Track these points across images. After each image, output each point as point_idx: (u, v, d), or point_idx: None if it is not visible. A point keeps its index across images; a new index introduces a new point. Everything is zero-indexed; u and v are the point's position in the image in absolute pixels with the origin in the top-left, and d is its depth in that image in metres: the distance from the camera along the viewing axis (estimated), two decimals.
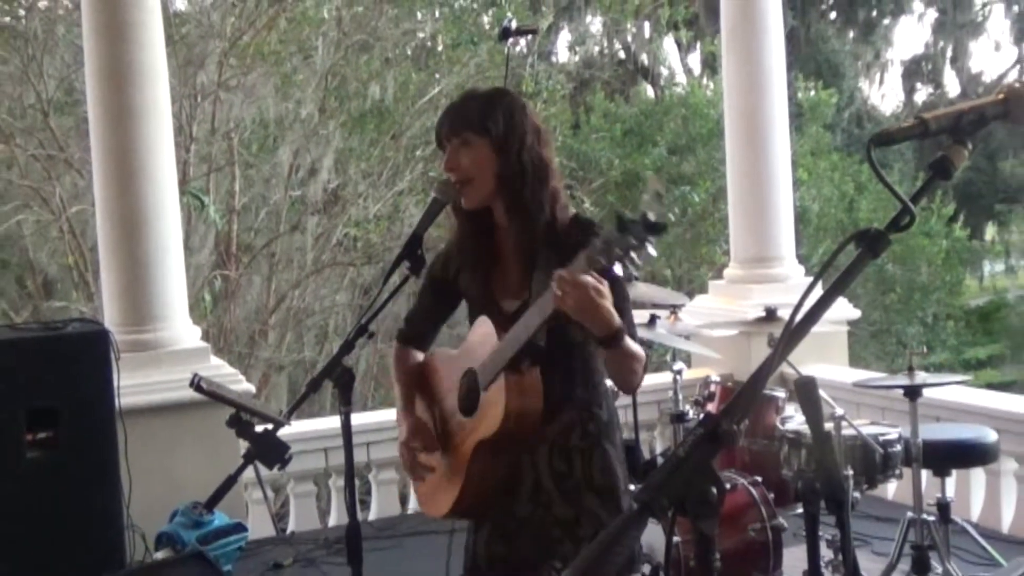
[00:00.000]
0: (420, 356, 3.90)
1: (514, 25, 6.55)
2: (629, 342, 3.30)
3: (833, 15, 29.76)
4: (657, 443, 8.32)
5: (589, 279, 3.11)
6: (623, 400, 6.53)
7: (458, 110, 3.58)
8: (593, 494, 3.47)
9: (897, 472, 5.65)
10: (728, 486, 5.39)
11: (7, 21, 14.83)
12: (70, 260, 14.69)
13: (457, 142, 3.48)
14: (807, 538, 3.89)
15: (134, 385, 6.33)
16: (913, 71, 32.02)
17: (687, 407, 6.39)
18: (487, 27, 17.35)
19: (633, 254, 2.92)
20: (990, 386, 17.52)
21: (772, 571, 5.46)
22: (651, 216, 2.88)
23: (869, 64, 29.80)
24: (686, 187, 18.29)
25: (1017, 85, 2.22)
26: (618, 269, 2.97)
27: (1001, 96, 2.23)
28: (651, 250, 2.92)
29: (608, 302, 3.17)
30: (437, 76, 16.50)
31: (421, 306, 3.88)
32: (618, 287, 3.33)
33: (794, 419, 5.88)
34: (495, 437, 3.43)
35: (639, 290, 6.55)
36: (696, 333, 6.94)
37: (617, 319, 3.22)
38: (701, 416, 6.29)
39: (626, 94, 22.70)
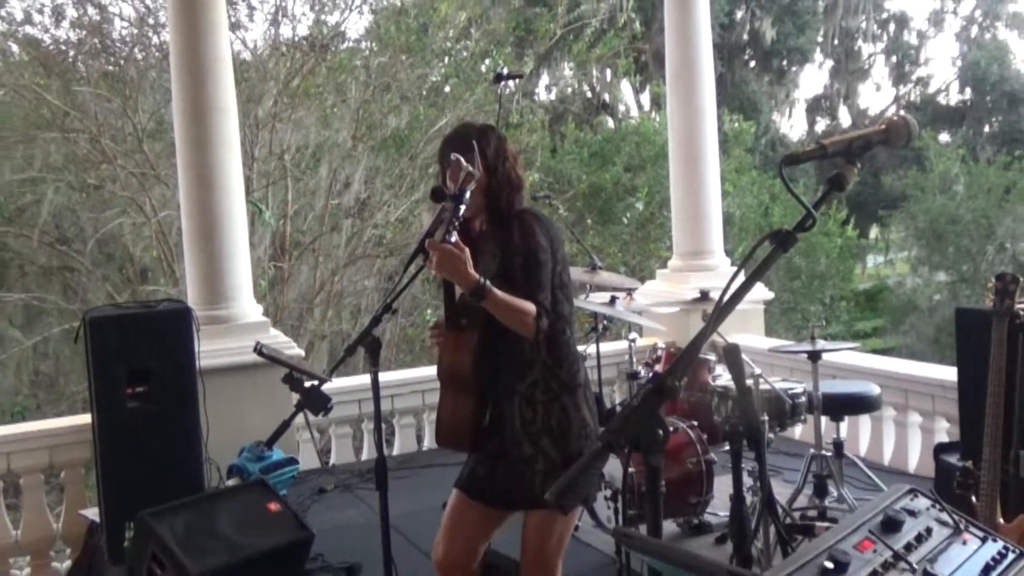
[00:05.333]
0: None
1: (505, 71, 6.55)
2: (502, 295, 3.27)
3: (753, 64, 29.77)
4: (616, 395, 8.33)
5: (448, 246, 3.16)
6: (590, 363, 6.57)
7: (460, 136, 3.53)
8: (549, 438, 3.44)
9: (802, 418, 5.68)
10: (671, 429, 5.40)
11: (111, 69, 14.78)
12: (154, 253, 14.70)
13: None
14: (732, 469, 3.88)
15: (210, 350, 6.31)
16: (815, 107, 32.12)
17: (639, 367, 6.40)
18: (484, 72, 17.32)
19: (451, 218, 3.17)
20: (875, 351, 17.51)
21: (705, 495, 5.47)
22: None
23: (780, 102, 29.86)
24: (634, 199, 18.33)
25: (895, 118, 2.23)
26: None
27: (883, 127, 2.24)
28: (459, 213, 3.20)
29: (465, 264, 3.19)
30: (444, 110, 16.45)
31: None
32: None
33: (722, 377, 5.91)
34: (444, 379, 3.53)
35: (602, 277, 6.55)
36: (646, 310, 6.96)
37: (473, 278, 3.21)
38: (650, 375, 6.33)
39: (592, 124, 22.66)
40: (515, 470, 3.48)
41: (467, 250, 3.21)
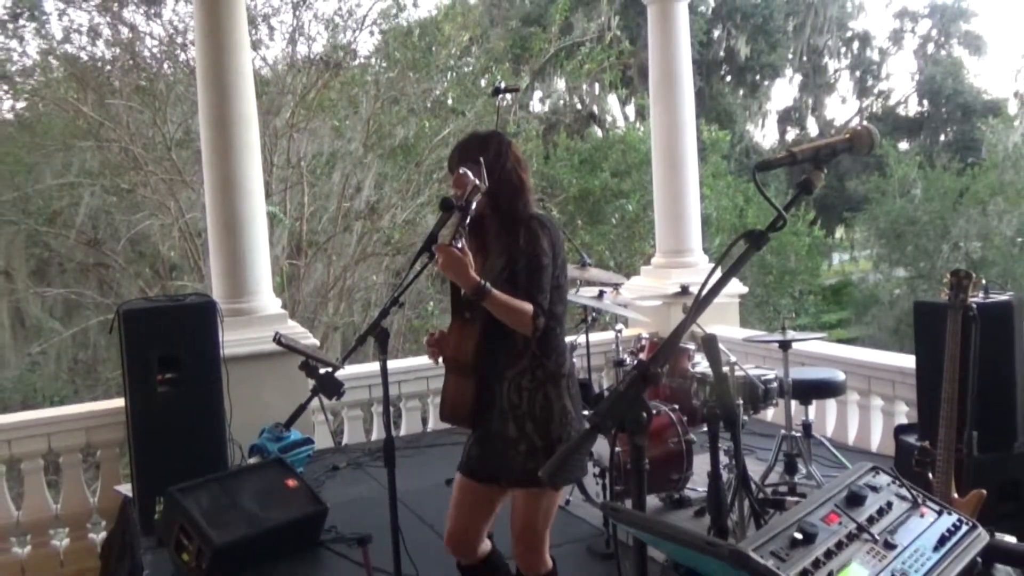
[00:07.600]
0: None
1: (503, 85, 6.55)
2: (501, 296, 3.27)
3: (728, 78, 29.78)
4: (604, 381, 8.32)
5: (454, 250, 3.19)
6: (580, 351, 6.56)
7: (464, 146, 3.55)
8: (532, 423, 3.41)
9: (774, 402, 5.67)
10: (654, 411, 5.40)
11: (142, 83, 14.77)
12: (176, 252, 14.70)
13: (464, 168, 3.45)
14: (710, 448, 3.88)
15: (233, 340, 6.30)
16: (785, 118, 32.15)
17: (625, 356, 6.39)
18: (483, 87, 17.30)
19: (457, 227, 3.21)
20: (840, 341, 17.52)
21: (685, 472, 5.48)
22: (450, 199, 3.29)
23: (754, 113, 29.88)
24: (623, 200, 18.34)
25: (858, 128, 2.23)
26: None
27: (847, 136, 2.24)
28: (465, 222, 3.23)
29: (467, 268, 3.21)
30: (447, 121, 16.44)
31: None
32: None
33: (701, 364, 5.90)
34: (448, 363, 3.53)
35: (591, 273, 6.54)
36: (632, 303, 6.95)
37: (475, 280, 3.22)
38: (635, 362, 6.31)
39: (582, 133, 22.65)
40: (501, 449, 3.48)
41: (470, 255, 3.22)
